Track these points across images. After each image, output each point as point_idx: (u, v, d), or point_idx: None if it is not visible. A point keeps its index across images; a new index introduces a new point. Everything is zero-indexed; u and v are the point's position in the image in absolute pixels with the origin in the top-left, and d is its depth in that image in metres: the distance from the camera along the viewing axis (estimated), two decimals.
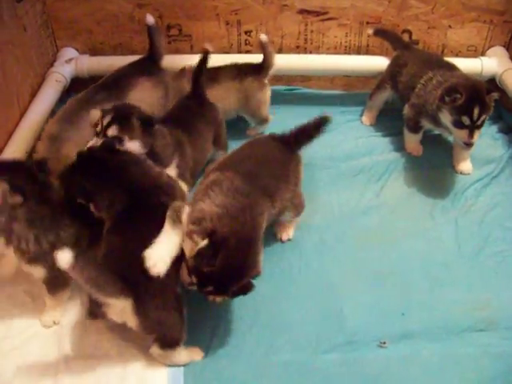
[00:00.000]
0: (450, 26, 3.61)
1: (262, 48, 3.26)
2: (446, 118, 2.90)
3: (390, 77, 3.42)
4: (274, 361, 2.24)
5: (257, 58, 3.32)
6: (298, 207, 2.66)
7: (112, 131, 2.51)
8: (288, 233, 2.75)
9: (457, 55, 3.68)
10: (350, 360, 2.25)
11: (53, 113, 3.18)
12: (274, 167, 2.50)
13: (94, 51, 3.73)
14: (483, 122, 2.85)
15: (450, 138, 3.24)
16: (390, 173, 3.18)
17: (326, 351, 2.28)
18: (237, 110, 3.35)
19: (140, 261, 2.00)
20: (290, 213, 2.63)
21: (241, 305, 2.45)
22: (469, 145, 2.90)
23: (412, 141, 3.31)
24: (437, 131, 3.27)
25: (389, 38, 3.60)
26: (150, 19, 3.21)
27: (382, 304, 2.47)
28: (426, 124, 3.15)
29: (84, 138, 2.69)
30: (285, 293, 2.51)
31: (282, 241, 2.74)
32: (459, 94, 2.80)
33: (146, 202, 2.19)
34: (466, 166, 3.19)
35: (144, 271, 1.99)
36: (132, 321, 2.05)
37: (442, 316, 2.43)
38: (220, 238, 1.99)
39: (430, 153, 3.32)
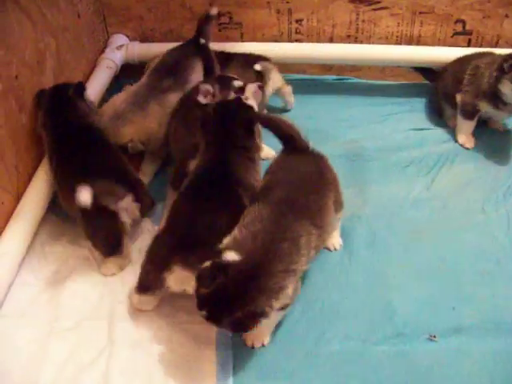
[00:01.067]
0: (506, 16, 3.52)
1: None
2: (507, 87, 2.91)
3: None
4: (324, 351, 2.24)
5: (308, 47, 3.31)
6: (338, 208, 2.53)
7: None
8: (337, 239, 2.68)
9: None
10: (400, 352, 2.23)
11: (103, 100, 3.24)
12: (309, 184, 2.33)
13: (145, 38, 3.77)
14: None
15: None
16: (440, 165, 3.14)
17: (376, 343, 2.27)
18: None
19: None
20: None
21: None
22: None
23: (466, 129, 3.26)
24: (492, 116, 3.24)
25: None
26: (214, 11, 3.28)
27: (432, 297, 2.44)
28: (484, 106, 3.12)
29: (147, 124, 2.86)
30: (335, 283, 2.50)
31: (335, 250, 2.67)
32: None
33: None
34: None
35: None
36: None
37: (493, 311, 2.39)
38: (221, 262, 1.95)
39: (482, 146, 3.26)
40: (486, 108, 3.12)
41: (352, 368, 2.18)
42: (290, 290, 2.04)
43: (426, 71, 3.67)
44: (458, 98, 3.23)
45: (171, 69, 3.10)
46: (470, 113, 3.20)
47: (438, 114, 3.49)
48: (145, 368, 2.17)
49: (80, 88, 2.84)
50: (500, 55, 3.07)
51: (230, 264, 1.94)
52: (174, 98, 2.94)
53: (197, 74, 3.09)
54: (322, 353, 2.23)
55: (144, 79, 3.08)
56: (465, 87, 3.19)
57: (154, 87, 2.98)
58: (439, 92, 3.46)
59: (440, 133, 3.38)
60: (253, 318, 1.93)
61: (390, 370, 2.17)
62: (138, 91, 2.98)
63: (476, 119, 3.22)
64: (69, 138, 2.65)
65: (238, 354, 2.24)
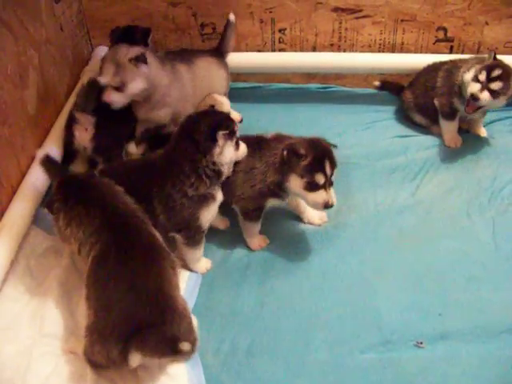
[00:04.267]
0: (486, 23, 3.55)
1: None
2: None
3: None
4: (311, 359, 2.24)
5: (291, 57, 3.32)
6: None
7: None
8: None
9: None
10: (387, 360, 2.24)
11: None
12: None
13: None
14: None
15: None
16: (425, 172, 3.16)
17: (363, 350, 2.27)
18: None
19: None
20: None
21: (277, 303, 2.47)
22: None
23: (450, 130, 3.33)
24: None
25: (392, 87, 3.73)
26: (232, 17, 3.41)
27: (419, 304, 2.45)
28: (459, 105, 3.21)
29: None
30: (321, 291, 2.50)
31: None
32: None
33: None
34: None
35: None
36: None
37: (480, 317, 2.40)
38: None
39: (466, 152, 3.29)
40: (461, 107, 3.20)
41: (339, 376, 2.19)
42: None
43: (392, 86, 3.73)
44: (436, 102, 3.32)
45: (180, 53, 3.26)
46: (449, 113, 3.28)
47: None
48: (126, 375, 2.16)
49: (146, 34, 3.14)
50: (461, 59, 3.31)
51: None
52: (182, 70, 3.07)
53: (204, 63, 3.22)
54: (309, 361, 2.24)
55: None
56: (439, 90, 3.30)
57: (162, 58, 3.04)
58: (408, 105, 3.52)
59: (424, 139, 3.40)
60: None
61: (378, 378, 2.18)
62: None
63: (457, 119, 3.30)
64: None
65: (225, 363, 2.24)
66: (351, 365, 2.22)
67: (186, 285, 2.53)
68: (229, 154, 2.41)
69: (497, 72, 3.02)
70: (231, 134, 2.41)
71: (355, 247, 2.71)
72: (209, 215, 2.49)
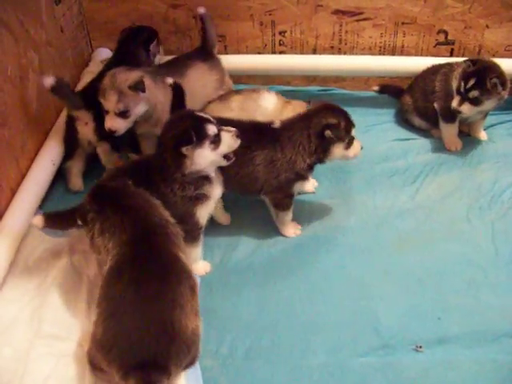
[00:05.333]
0: (487, 26, 3.55)
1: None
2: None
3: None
4: (309, 363, 2.24)
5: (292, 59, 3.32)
6: None
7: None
8: None
9: (494, 55, 3.60)
10: (386, 364, 2.23)
11: None
12: None
13: None
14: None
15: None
16: (425, 175, 3.16)
17: (362, 354, 2.27)
18: None
19: None
20: None
21: (277, 306, 2.46)
22: None
23: (450, 133, 3.34)
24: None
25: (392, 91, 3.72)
26: (202, 9, 3.31)
27: (418, 307, 2.45)
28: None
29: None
30: (320, 295, 2.50)
31: None
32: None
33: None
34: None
35: None
36: None
37: (479, 321, 2.40)
38: None
39: (466, 156, 3.29)
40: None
41: (338, 380, 2.18)
42: None
43: (391, 89, 3.72)
44: (436, 105, 3.32)
45: (169, 64, 3.23)
46: (449, 116, 3.27)
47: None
48: None
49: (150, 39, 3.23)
50: (457, 62, 3.29)
51: None
52: None
53: (195, 72, 3.18)
54: (307, 365, 2.23)
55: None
56: (438, 94, 3.30)
57: (152, 72, 3.01)
58: (407, 108, 3.52)
59: (424, 143, 3.40)
60: None
61: (377, 382, 2.18)
62: None
63: (457, 122, 3.30)
64: None
65: (223, 366, 2.24)
66: (350, 369, 2.21)
67: None
68: (205, 158, 2.38)
69: (471, 81, 3.06)
70: (200, 141, 2.36)
71: (354, 251, 2.71)
72: (205, 212, 2.50)
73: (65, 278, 2.50)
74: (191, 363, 2.04)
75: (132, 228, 2.13)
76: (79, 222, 2.32)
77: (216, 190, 2.51)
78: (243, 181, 2.67)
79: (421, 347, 2.29)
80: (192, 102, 2.88)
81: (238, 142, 2.44)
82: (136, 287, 1.97)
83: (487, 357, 2.26)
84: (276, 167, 2.63)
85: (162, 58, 3.38)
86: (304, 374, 2.20)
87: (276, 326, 2.37)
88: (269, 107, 3.08)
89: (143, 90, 2.78)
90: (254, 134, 2.64)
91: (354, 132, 2.62)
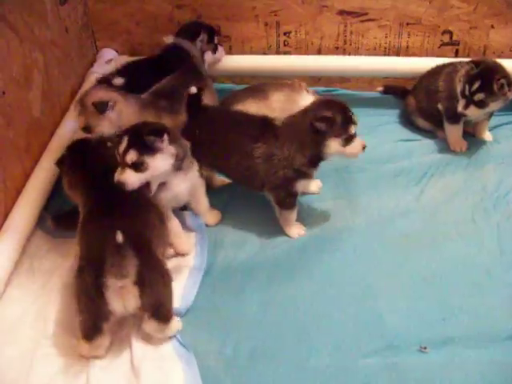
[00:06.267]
0: (492, 26, 3.55)
1: None
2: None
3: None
4: (313, 364, 2.23)
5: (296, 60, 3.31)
6: None
7: (131, 157, 2.35)
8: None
9: (499, 56, 3.59)
10: (391, 364, 2.22)
11: None
12: None
13: (133, 52, 3.76)
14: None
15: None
16: (429, 176, 3.14)
17: (366, 355, 2.26)
18: None
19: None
20: None
21: (281, 307, 2.46)
22: None
23: (455, 134, 3.33)
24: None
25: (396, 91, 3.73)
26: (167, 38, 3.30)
27: (423, 308, 2.44)
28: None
29: None
30: (324, 295, 2.49)
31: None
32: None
33: None
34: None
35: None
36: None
37: (484, 322, 2.38)
38: None
39: (471, 157, 3.28)
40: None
41: (342, 381, 2.17)
42: None
43: (396, 90, 3.73)
44: (440, 106, 3.31)
45: (167, 93, 3.04)
46: (454, 117, 3.26)
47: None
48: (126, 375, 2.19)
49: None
50: (460, 62, 3.28)
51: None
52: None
53: None
54: (311, 366, 2.22)
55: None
56: (442, 94, 3.29)
57: (147, 104, 2.95)
58: (411, 109, 3.52)
59: (428, 143, 3.39)
60: (164, 127, 2.43)
61: (381, 383, 2.17)
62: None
63: (462, 122, 3.29)
64: None
65: (228, 367, 2.23)
66: (354, 370, 2.21)
67: (186, 281, 2.54)
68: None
69: (476, 84, 3.04)
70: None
71: (359, 252, 2.70)
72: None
73: (70, 278, 2.49)
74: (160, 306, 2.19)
75: (100, 181, 2.39)
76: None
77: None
78: (244, 173, 2.72)
79: (425, 348, 2.28)
80: None
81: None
82: (107, 217, 2.23)
83: (492, 358, 2.24)
84: (274, 163, 2.64)
85: (215, 59, 3.43)
86: (308, 375, 2.19)
87: (280, 327, 2.37)
88: None
89: (102, 112, 2.75)
90: (257, 127, 2.68)
91: (353, 129, 2.57)
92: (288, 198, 2.72)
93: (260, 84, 3.33)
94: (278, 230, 2.81)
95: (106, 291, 2.05)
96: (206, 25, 3.39)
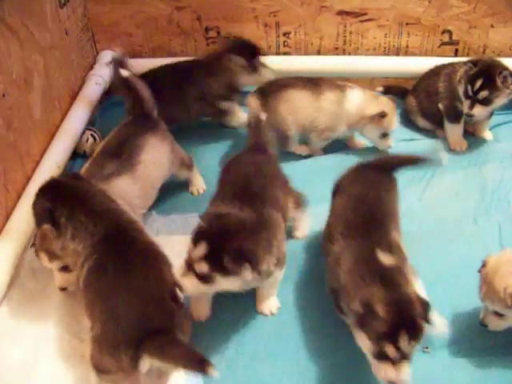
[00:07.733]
0: (492, 26, 3.55)
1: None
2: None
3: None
4: (316, 364, 2.23)
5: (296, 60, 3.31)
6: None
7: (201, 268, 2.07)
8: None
9: (498, 55, 3.60)
10: None
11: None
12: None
13: (133, 54, 3.76)
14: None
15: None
16: (430, 175, 3.15)
17: None
18: None
19: None
20: None
21: (282, 308, 2.46)
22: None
23: (455, 133, 3.35)
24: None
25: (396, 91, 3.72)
26: (125, 73, 2.90)
27: None
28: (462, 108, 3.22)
29: None
30: (326, 296, 2.48)
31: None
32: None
33: None
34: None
35: None
36: None
37: None
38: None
39: (472, 157, 3.29)
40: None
41: (344, 380, 2.18)
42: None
43: (396, 90, 3.73)
44: (441, 106, 3.33)
45: (115, 150, 2.68)
46: (454, 116, 3.29)
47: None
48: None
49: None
50: (459, 63, 3.30)
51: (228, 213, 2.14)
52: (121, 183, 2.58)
53: (150, 152, 2.72)
54: (313, 367, 2.23)
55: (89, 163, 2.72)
56: (443, 95, 3.31)
57: (94, 174, 2.57)
58: (411, 110, 3.54)
59: (430, 143, 3.38)
60: (248, 253, 2.02)
61: (382, 382, 2.16)
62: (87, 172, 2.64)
63: (462, 121, 3.30)
64: None
65: (229, 368, 2.23)
66: (356, 368, 2.20)
67: None
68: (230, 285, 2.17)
69: (479, 82, 3.05)
70: None
71: None
72: None
73: None
74: None
75: (105, 228, 2.17)
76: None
77: None
78: None
79: (427, 348, 2.28)
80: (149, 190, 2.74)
81: None
82: (123, 276, 2.02)
83: (494, 359, 2.25)
84: None
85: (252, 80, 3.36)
86: (310, 376, 2.19)
87: (282, 328, 2.37)
88: (352, 111, 3.18)
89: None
90: None
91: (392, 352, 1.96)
92: None
93: (315, 77, 3.31)
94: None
95: None
96: None
